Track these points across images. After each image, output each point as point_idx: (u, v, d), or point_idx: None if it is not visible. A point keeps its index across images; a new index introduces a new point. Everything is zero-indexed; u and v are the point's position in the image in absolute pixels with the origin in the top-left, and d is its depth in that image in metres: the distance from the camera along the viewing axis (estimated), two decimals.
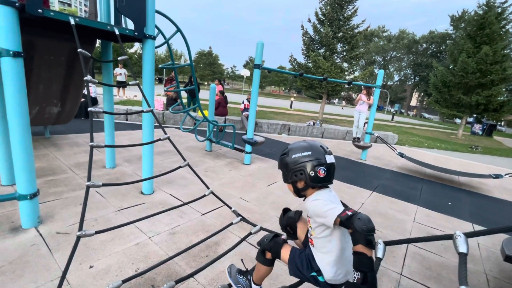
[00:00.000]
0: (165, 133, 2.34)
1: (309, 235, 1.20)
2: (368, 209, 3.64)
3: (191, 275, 1.87)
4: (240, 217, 2.36)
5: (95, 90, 8.89)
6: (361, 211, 3.70)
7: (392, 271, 2.34)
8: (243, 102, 8.92)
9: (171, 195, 3.36)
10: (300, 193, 1.19)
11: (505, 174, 4.97)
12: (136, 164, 4.30)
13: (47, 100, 3.81)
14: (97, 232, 1.61)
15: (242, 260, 1.72)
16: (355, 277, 0.87)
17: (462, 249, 0.94)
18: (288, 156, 1.16)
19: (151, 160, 3.29)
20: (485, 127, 19.95)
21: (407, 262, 2.50)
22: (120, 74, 11.99)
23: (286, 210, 1.46)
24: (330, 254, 1.09)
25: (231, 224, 2.27)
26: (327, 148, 1.17)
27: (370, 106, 6.41)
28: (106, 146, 1.94)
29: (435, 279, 2.31)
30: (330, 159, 1.12)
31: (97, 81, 2.14)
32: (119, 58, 2.56)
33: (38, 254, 2.04)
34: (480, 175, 5.28)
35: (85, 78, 1.93)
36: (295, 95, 49.82)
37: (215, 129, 5.22)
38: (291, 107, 21.57)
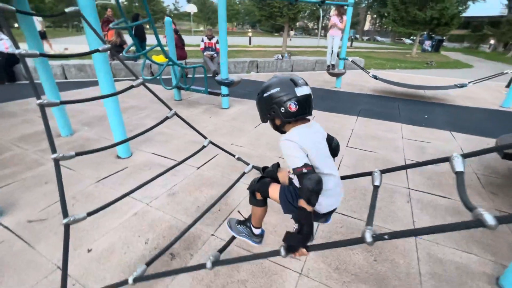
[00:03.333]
0: (137, 78, 1.80)
1: (289, 173, 1.24)
2: (359, 133, 3.65)
3: (231, 241, 1.65)
4: (251, 165, 2.11)
5: (11, 44, 6.97)
6: (353, 136, 3.71)
7: (401, 187, 2.41)
8: (202, 41, 7.82)
9: (154, 153, 2.93)
10: (280, 129, 1.19)
11: (469, 82, 5.29)
12: (98, 126, 3.63)
13: None
14: (89, 214, 1.24)
15: (239, 211, 1.66)
16: (294, 228, 0.96)
17: (459, 168, 0.95)
18: (260, 95, 1.14)
19: (120, 117, 2.72)
20: (434, 43, 21.03)
21: (410, 176, 2.59)
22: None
23: (264, 169, 1.48)
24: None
25: (244, 174, 2.02)
26: (300, 79, 1.10)
27: (343, 31, 6.00)
28: (63, 102, 1.40)
29: (438, 186, 2.45)
30: (301, 91, 1.06)
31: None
32: None
33: (14, 252, 1.63)
34: (446, 87, 5.56)
35: None
36: (250, 30, 46.16)
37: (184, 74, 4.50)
38: (250, 43, 20.03)
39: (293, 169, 1.00)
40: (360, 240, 0.77)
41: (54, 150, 1.21)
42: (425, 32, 17.75)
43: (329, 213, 1.18)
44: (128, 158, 2.82)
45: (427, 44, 21.30)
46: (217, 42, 7.58)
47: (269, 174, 1.40)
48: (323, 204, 1.10)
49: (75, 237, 1.74)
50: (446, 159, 1.01)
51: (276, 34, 49.77)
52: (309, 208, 0.93)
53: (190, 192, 2.28)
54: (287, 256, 0.97)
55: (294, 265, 1.60)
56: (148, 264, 1.36)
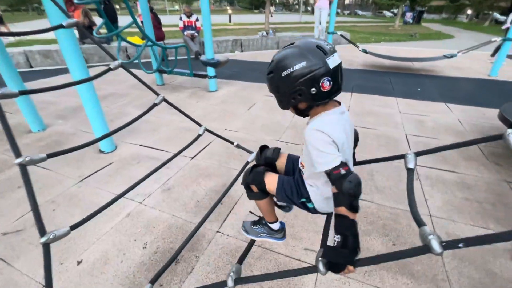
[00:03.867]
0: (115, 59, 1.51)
1: (300, 163, 1.04)
2: (356, 110, 3.52)
3: (250, 246, 1.49)
4: (254, 153, 1.90)
5: None
6: (350, 114, 3.61)
7: None
8: (180, 19, 7.23)
9: (141, 145, 2.67)
10: (304, 113, 0.92)
11: (458, 52, 5.23)
12: (74, 118, 3.27)
13: None
14: (73, 228, 1.03)
15: (251, 211, 1.42)
16: (335, 240, 0.74)
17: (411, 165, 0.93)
18: (276, 75, 0.82)
19: (98, 106, 2.41)
20: (415, 15, 20.93)
21: None
22: None
23: (263, 148, 1.23)
24: (322, 187, 0.93)
25: (247, 163, 1.83)
26: (327, 45, 0.80)
27: (331, 2, 5.68)
28: (23, 92, 1.11)
29: (442, 160, 2.38)
30: (334, 61, 0.78)
31: None
32: None
33: None
34: (435, 58, 5.48)
35: None
36: (229, 7, 43.93)
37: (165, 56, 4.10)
38: (230, 21, 19.10)
39: (328, 170, 0.77)
40: (425, 250, 0.61)
41: (17, 153, 0.96)
42: (406, 4, 17.53)
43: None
44: (113, 152, 2.55)
45: (408, 16, 21.16)
46: (197, 20, 7.05)
47: (267, 160, 1.18)
48: None
49: (60, 249, 1.52)
50: (500, 137, 0.83)
51: (255, 11, 47.85)
52: (352, 216, 0.75)
53: (186, 185, 2.08)
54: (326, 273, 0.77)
55: (311, 259, 1.48)
56: (153, 281, 1.17)
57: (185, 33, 7.12)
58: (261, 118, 3.31)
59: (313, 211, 1.02)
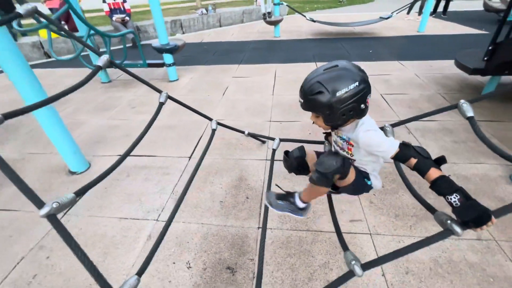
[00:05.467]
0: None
1: (354, 162, 1.09)
2: None
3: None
4: (278, 139, 1.78)
5: None
6: None
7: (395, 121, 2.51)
8: (104, 2, 6.13)
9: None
10: (338, 127, 1.00)
11: (392, 13, 5.73)
12: (13, 138, 2.57)
13: None
14: (78, 194, 0.83)
15: (276, 185, 1.35)
16: (454, 201, 0.75)
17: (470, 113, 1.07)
18: (327, 94, 0.87)
19: (58, 117, 1.93)
20: None
21: (396, 110, 2.73)
22: None
23: (286, 152, 1.26)
24: (370, 166, 1.06)
25: (274, 151, 1.70)
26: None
27: None
28: None
29: (418, 111, 2.65)
30: (367, 77, 0.90)
31: None
32: None
33: None
34: (374, 20, 5.91)
35: None
36: None
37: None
38: None
39: (396, 150, 0.88)
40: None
41: None
42: None
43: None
44: (87, 171, 2.12)
45: None
46: (125, 1, 6.10)
47: (299, 160, 1.21)
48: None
49: None
50: (455, 106, 1.13)
51: None
52: (442, 173, 0.82)
53: (200, 188, 1.86)
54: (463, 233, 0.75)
55: (359, 228, 1.51)
56: None
57: (114, 18, 6.13)
58: (241, 101, 3.13)
59: (368, 188, 1.10)
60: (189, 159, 2.18)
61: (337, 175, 1.02)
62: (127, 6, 6.18)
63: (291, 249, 1.42)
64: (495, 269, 1.26)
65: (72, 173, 2.09)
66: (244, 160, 2.11)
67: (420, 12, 6.84)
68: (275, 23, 6.07)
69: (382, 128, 1.32)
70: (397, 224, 1.52)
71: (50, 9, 6.22)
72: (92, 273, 0.73)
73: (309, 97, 0.91)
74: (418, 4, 6.59)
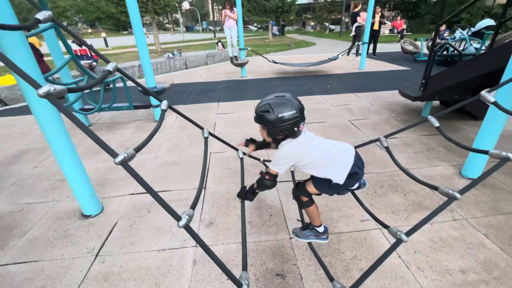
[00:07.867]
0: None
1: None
2: None
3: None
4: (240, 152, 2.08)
5: None
6: None
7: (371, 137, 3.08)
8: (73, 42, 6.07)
9: (133, 194, 2.31)
10: (278, 142, 1.33)
11: (338, 55, 6.94)
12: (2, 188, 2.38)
13: None
14: (137, 150, 1.01)
15: (298, 219, 1.72)
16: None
17: (437, 124, 1.83)
18: (272, 114, 1.19)
19: (75, 152, 1.97)
20: (279, 28, 25.25)
21: (381, 127, 3.33)
22: None
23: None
24: (316, 169, 1.34)
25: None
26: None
27: (236, 21, 6.30)
28: None
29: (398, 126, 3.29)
30: (303, 110, 1.24)
31: None
32: None
33: None
34: (325, 61, 7.03)
35: None
36: (90, 30, 38.50)
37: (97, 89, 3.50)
38: (107, 45, 17.11)
39: (269, 171, 1.36)
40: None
41: None
42: (273, 19, 20.95)
43: (354, 180, 1.34)
44: (103, 213, 2.11)
45: (275, 29, 25.30)
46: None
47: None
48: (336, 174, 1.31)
49: None
50: (426, 120, 1.56)
51: (124, 32, 44.36)
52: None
53: (226, 213, 2.03)
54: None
55: (369, 226, 1.85)
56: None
57: (83, 63, 6.10)
58: (234, 133, 3.43)
59: (336, 185, 1.33)
60: (204, 190, 2.34)
61: (303, 196, 1.47)
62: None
63: (323, 250, 1.67)
64: (471, 239, 1.71)
65: (87, 216, 2.06)
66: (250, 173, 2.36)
67: (357, 54, 8.36)
68: (241, 65, 6.76)
69: (377, 140, 1.73)
70: (396, 218, 1.92)
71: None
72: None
73: (259, 113, 1.22)
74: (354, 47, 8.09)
